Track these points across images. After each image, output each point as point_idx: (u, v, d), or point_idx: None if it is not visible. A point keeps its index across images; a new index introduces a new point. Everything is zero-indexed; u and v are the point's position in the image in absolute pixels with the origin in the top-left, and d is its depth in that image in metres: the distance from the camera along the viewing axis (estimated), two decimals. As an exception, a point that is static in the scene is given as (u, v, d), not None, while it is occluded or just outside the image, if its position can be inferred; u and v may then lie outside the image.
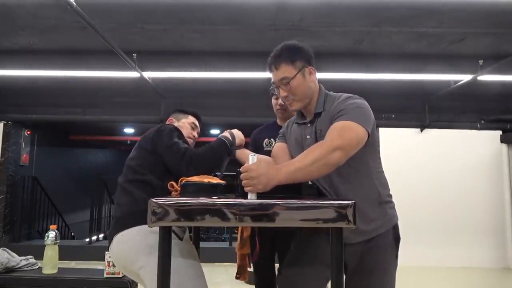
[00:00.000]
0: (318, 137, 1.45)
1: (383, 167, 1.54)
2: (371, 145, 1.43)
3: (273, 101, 2.32)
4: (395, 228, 1.50)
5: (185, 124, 1.88)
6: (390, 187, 1.54)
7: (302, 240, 1.56)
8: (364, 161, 1.44)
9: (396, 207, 1.54)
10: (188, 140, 1.81)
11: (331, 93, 1.53)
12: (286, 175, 1.18)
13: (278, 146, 1.68)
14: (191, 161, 1.51)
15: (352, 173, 1.42)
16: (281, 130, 1.74)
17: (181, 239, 1.49)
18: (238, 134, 1.75)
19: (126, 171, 1.62)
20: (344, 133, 1.28)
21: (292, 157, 1.59)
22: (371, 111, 1.42)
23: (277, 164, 1.57)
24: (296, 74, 1.44)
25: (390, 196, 1.53)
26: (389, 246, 1.47)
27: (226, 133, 1.73)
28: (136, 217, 1.44)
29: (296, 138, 1.57)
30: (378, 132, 1.51)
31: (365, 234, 1.42)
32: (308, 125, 1.51)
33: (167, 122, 1.86)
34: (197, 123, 1.95)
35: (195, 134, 1.92)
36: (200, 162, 1.54)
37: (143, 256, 1.40)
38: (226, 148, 1.66)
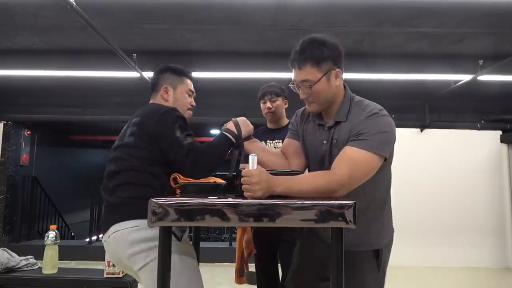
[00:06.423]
0: (333, 145, 1.37)
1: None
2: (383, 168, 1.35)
3: (261, 105, 2.35)
4: (377, 252, 1.40)
5: (183, 94, 1.67)
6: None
7: (303, 247, 1.56)
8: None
9: (396, 207, 1.51)
10: (188, 112, 1.67)
11: (357, 99, 1.40)
12: (285, 190, 1.15)
13: (289, 143, 1.55)
14: (195, 162, 1.38)
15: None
16: (292, 121, 1.60)
17: (179, 239, 1.42)
18: (244, 123, 1.54)
19: (122, 156, 1.48)
20: (357, 167, 1.23)
21: (306, 156, 1.51)
22: (394, 131, 1.34)
23: (287, 159, 1.53)
24: (321, 78, 1.31)
25: (387, 208, 1.47)
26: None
27: (231, 124, 1.52)
28: (136, 206, 1.34)
29: (314, 138, 1.46)
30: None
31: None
32: (326, 129, 1.40)
33: (161, 92, 1.64)
34: (192, 86, 1.72)
35: (193, 101, 1.72)
36: (204, 165, 1.41)
37: (142, 256, 1.35)
38: (230, 144, 1.48)
